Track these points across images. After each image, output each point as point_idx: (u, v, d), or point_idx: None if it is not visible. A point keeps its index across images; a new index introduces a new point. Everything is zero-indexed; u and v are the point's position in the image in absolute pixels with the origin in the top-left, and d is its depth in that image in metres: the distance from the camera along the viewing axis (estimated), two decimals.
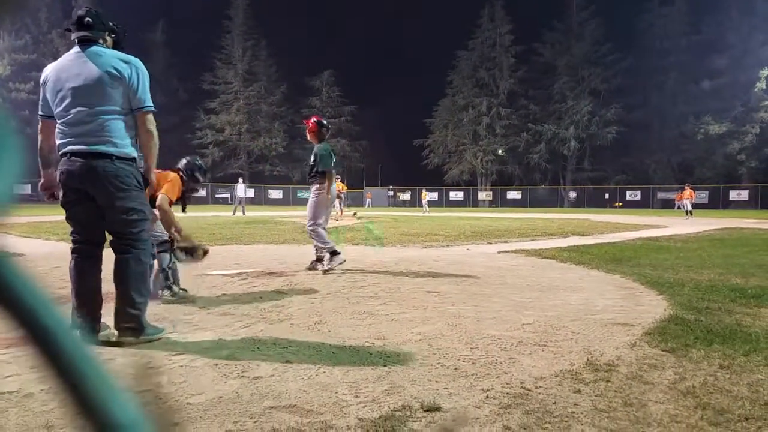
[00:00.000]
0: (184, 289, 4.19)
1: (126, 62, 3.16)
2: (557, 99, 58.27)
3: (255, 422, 2.05)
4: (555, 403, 2.24)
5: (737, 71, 48.74)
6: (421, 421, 2.06)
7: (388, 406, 2.19)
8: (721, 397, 2.30)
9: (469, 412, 2.14)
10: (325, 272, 6.13)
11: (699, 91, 51.25)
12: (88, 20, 3.21)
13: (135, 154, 3.21)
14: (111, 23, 3.38)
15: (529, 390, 2.40)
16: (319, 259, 6.36)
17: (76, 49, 3.21)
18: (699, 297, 4.59)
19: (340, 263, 6.22)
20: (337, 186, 27.30)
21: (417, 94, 71.84)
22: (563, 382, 2.50)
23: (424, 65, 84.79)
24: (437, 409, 2.16)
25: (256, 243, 10.05)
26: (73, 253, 3.27)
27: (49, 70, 3.24)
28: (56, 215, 20.49)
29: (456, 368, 2.71)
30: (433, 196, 55.60)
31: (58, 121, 3.17)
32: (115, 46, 3.37)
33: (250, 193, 51.85)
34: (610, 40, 56.22)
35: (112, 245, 3.25)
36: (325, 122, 6.60)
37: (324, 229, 6.40)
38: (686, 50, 53.31)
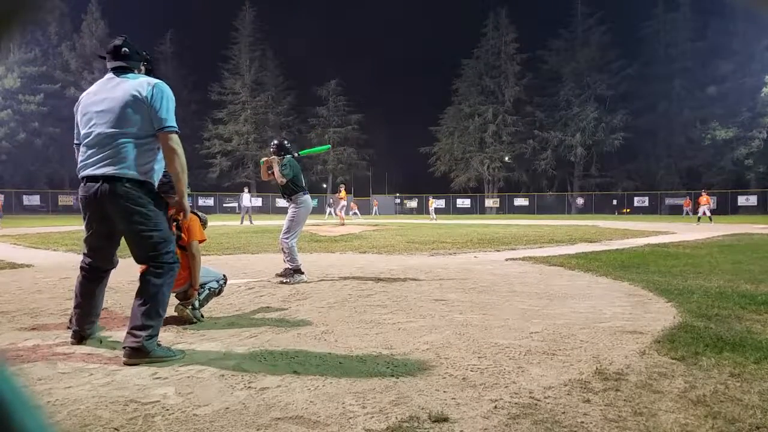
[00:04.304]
0: (203, 316, 4.18)
1: (149, 84, 3.16)
2: (563, 106, 58.25)
3: None
4: (564, 413, 2.22)
5: (743, 77, 48.55)
6: (429, 431, 2.05)
7: (396, 417, 2.18)
8: (732, 405, 2.27)
9: (477, 423, 2.13)
10: (282, 282, 6.12)
11: (705, 96, 51.05)
12: (125, 50, 3.28)
13: (148, 178, 3.16)
14: (144, 53, 3.44)
15: (538, 400, 2.38)
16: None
17: (108, 75, 3.27)
18: (708, 304, 4.55)
19: (299, 282, 6.17)
20: (342, 195, 27.86)
21: (423, 102, 72.14)
22: (572, 391, 2.48)
23: (430, 73, 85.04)
24: (445, 419, 2.15)
25: (263, 252, 10.06)
26: (81, 270, 3.41)
27: (81, 96, 3.32)
28: (66, 226, 20.64)
29: (464, 378, 2.70)
30: (440, 203, 55.53)
31: (82, 143, 3.21)
32: (148, 74, 3.41)
33: (258, 202, 51.97)
34: (616, 46, 56.31)
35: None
36: (285, 146, 6.68)
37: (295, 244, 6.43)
38: (692, 56, 53.16)
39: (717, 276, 6.39)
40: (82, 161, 3.17)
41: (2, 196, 25.61)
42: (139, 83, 3.15)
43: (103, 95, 3.18)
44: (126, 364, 2.95)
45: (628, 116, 54.55)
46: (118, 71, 3.25)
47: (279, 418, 2.18)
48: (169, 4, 75.52)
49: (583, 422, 2.11)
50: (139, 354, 2.97)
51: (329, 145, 7.57)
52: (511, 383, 2.61)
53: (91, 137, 3.14)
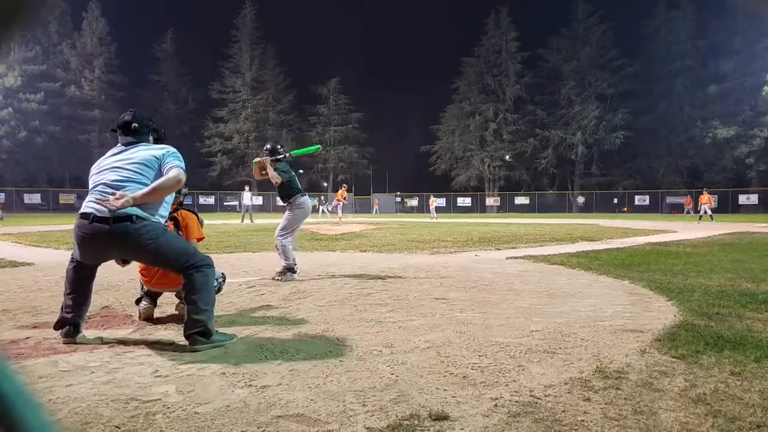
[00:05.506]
0: None
1: (164, 148, 3.40)
2: (564, 104, 58.27)
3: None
4: (564, 411, 2.22)
5: (744, 75, 48.54)
6: (429, 430, 2.05)
7: (396, 415, 2.18)
8: (733, 404, 2.27)
9: (477, 421, 2.13)
10: (275, 279, 6.20)
11: (706, 95, 51.05)
12: (135, 125, 3.47)
13: (157, 219, 3.29)
14: (152, 123, 3.64)
15: (538, 398, 2.38)
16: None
17: (119, 146, 3.45)
18: (709, 302, 4.54)
19: (291, 280, 6.20)
20: (342, 193, 28.28)
21: (423, 101, 72.12)
22: (572, 389, 2.48)
23: (431, 72, 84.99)
24: (445, 417, 2.15)
25: (263, 251, 10.06)
26: (73, 261, 3.52)
27: (95, 164, 3.47)
28: (66, 224, 20.62)
29: (464, 376, 2.70)
30: (441, 202, 55.51)
31: (90, 190, 3.29)
32: (157, 142, 3.61)
33: (258, 200, 51.99)
34: (617, 45, 56.41)
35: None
36: (278, 150, 6.60)
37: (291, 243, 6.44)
38: (693, 55, 53.16)
39: (718, 274, 6.38)
40: (88, 199, 3.24)
41: (2, 195, 25.63)
42: (156, 148, 3.39)
43: (118, 157, 3.35)
44: (193, 350, 3.15)
45: (629, 115, 54.59)
46: (129, 144, 3.43)
47: (280, 416, 2.18)
48: (169, 3, 75.56)
49: (583, 420, 2.12)
50: (204, 336, 3.20)
51: (319, 146, 7.47)
52: (512, 381, 2.61)
53: (102, 181, 3.25)
